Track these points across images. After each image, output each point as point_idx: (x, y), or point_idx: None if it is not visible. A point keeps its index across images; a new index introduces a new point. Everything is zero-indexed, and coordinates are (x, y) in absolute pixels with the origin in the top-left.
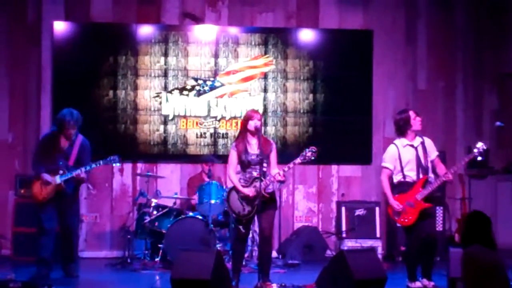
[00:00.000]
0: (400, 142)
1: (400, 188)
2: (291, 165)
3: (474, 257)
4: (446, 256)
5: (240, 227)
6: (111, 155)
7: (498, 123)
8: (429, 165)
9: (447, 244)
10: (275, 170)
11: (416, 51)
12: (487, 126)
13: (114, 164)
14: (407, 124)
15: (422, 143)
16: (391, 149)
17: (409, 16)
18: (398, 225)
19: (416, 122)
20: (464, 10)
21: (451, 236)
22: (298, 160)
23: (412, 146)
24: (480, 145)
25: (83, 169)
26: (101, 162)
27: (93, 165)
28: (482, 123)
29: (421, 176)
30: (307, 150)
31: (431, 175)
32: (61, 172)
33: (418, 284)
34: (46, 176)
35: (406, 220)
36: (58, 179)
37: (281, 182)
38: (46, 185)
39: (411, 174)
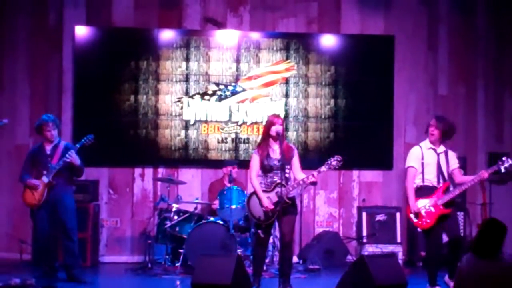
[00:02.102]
0: (425, 144)
1: (420, 192)
2: (315, 173)
3: (463, 266)
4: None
5: (260, 231)
6: (84, 136)
7: None
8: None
9: (468, 250)
10: (301, 174)
11: (437, 56)
12: (508, 132)
13: (89, 142)
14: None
15: (446, 152)
16: (416, 150)
17: (430, 22)
18: (419, 230)
19: (430, 130)
20: (485, 16)
21: (472, 241)
22: (323, 169)
23: (435, 150)
24: (504, 158)
25: (68, 154)
26: (77, 145)
27: (73, 150)
28: (503, 128)
29: (441, 181)
30: (332, 158)
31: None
32: (44, 172)
33: None
34: (33, 181)
35: (424, 224)
36: (45, 179)
37: (314, 184)
38: (36, 189)
39: (430, 178)
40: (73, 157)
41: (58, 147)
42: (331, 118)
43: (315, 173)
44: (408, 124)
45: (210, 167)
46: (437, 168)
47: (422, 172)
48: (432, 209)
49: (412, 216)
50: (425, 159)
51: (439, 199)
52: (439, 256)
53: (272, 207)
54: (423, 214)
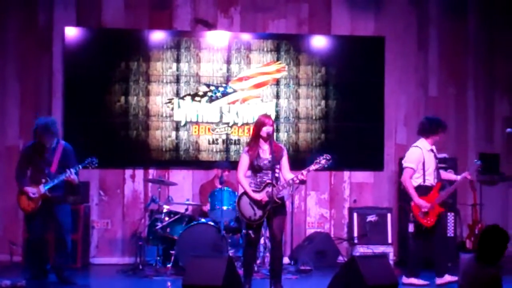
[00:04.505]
0: (423, 145)
1: (420, 191)
2: (305, 172)
3: (464, 268)
4: (457, 262)
5: (250, 231)
6: (88, 157)
7: (509, 130)
8: None
9: (458, 250)
10: (289, 174)
11: (428, 57)
12: (498, 133)
13: (92, 167)
14: (436, 130)
15: (434, 150)
16: (417, 151)
17: (420, 23)
18: (423, 226)
19: (441, 135)
20: (475, 17)
21: (462, 242)
22: (312, 167)
23: (432, 151)
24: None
25: (69, 171)
26: (80, 166)
27: (72, 169)
28: (493, 129)
29: (437, 180)
30: (321, 157)
31: None
32: (43, 180)
33: (447, 278)
34: (30, 190)
35: (428, 222)
36: (42, 189)
37: (303, 182)
38: (32, 199)
39: (430, 178)
40: (72, 177)
41: (57, 150)
42: (322, 119)
43: (304, 172)
44: (399, 125)
45: (201, 168)
46: (435, 168)
47: (424, 173)
48: (433, 207)
49: (419, 214)
50: (426, 161)
51: (436, 198)
52: (448, 249)
53: (265, 197)
54: (428, 213)
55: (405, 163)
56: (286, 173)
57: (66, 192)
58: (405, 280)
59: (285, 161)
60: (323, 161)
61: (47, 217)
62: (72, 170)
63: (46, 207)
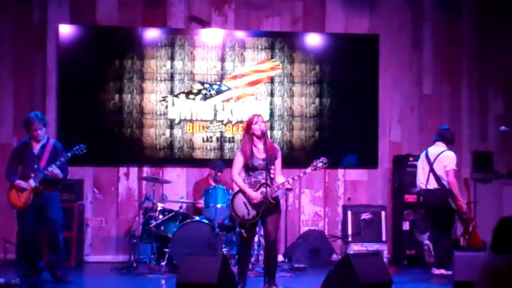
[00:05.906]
0: None
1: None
2: (301, 174)
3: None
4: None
5: (243, 231)
6: (77, 145)
7: (503, 128)
8: None
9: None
10: (280, 177)
11: (422, 55)
12: (492, 131)
13: (81, 152)
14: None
15: None
16: (453, 154)
17: (415, 21)
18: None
19: None
20: (470, 15)
21: (456, 239)
22: (308, 170)
23: None
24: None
25: (54, 165)
26: (69, 154)
27: (62, 159)
28: (487, 127)
29: None
30: (318, 160)
31: None
32: (33, 175)
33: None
34: (21, 183)
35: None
36: (32, 183)
37: (289, 190)
38: (22, 192)
39: None
40: (55, 173)
41: (47, 147)
42: (316, 117)
43: (301, 173)
44: (393, 123)
45: (195, 166)
46: None
47: None
48: None
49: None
50: None
51: None
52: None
53: (260, 197)
54: None
55: (448, 166)
56: (277, 175)
57: (55, 181)
58: (436, 271)
59: (278, 164)
60: (319, 164)
61: (38, 214)
62: (54, 165)
63: (37, 204)
